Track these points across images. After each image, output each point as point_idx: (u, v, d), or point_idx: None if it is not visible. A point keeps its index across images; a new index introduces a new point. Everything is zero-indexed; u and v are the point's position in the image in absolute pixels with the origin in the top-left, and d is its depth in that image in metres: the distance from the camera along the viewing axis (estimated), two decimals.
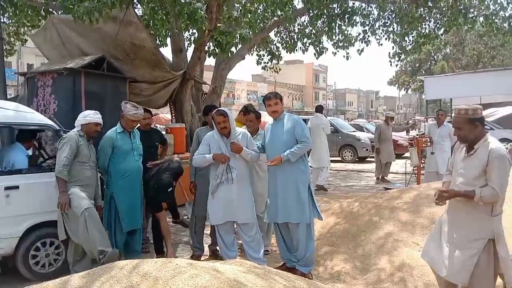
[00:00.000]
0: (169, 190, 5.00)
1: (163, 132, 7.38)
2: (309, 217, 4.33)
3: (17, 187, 4.30)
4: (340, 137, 15.97)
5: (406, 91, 58.14)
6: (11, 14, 10.14)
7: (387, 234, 4.77)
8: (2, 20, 9.50)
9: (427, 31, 11.84)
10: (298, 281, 2.87)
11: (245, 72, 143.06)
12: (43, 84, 6.55)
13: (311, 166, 7.89)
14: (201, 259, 5.02)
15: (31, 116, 4.71)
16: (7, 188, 4.23)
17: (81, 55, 7.14)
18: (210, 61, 27.77)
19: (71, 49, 7.50)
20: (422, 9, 10.91)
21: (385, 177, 10.82)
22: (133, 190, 4.72)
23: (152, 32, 8.52)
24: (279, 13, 10.03)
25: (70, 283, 2.49)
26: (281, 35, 12.20)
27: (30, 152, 5.32)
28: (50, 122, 4.79)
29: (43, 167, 4.88)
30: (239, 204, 4.33)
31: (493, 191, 2.87)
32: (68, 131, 4.71)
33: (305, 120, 17.76)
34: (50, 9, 9.49)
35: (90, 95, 6.30)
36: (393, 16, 11.32)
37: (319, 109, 10.12)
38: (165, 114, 22.06)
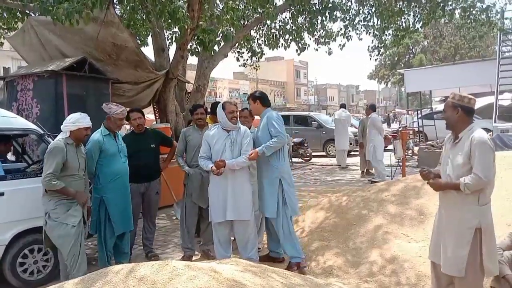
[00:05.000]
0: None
1: None
2: (277, 211, 4.45)
3: (1, 194, 4.20)
4: (324, 132, 16.07)
5: (386, 85, 58.83)
6: None
7: (376, 227, 4.83)
8: None
9: (406, 24, 11.98)
10: (294, 278, 2.88)
11: (227, 70, 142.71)
12: (23, 87, 6.41)
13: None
14: (192, 259, 5.00)
15: (15, 121, 4.60)
16: None
17: (62, 57, 7.00)
18: (192, 60, 27.61)
19: (51, 51, 7.36)
20: (401, 3, 11.03)
21: (370, 170, 10.93)
22: (123, 192, 4.67)
23: (132, 31, 8.41)
24: (260, 10, 10.01)
25: None
26: (263, 32, 12.18)
27: (10, 156, 5.19)
28: (34, 127, 4.69)
29: (28, 172, 4.77)
30: (237, 202, 4.31)
31: (476, 178, 2.89)
32: (52, 135, 4.63)
33: (288, 116, 17.84)
34: (27, 11, 9.27)
35: (72, 97, 6.20)
36: (373, 10, 11.41)
37: (343, 105, 13.88)
38: (147, 114, 21.91)
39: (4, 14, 9.74)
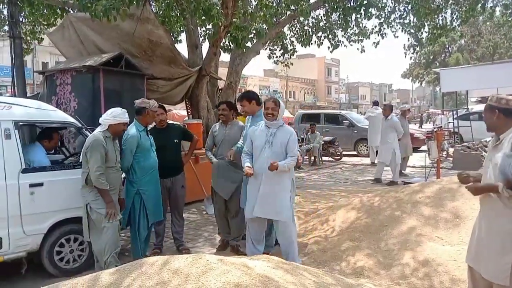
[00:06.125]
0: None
1: None
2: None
3: (41, 184, 4.35)
4: (355, 131, 15.85)
5: (420, 84, 57.47)
6: (27, 13, 10.23)
7: (410, 229, 4.73)
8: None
9: (443, 22, 11.67)
10: (326, 277, 2.85)
11: (257, 67, 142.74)
12: (62, 82, 6.61)
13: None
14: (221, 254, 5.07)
15: (55, 114, 4.75)
16: (31, 186, 4.27)
17: (99, 53, 7.19)
18: (223, 57, 27.74)
19: (89, 47, 7.56)
20: (439, 0, 10.75)
21: (402, 171, 10.71)
22: (157, 184, 4.82)
23: (167, 28, 8.53)
24: (293, 7, 9.98)
25: (101, 280, 2.51)
26: (295, 29, 12.13)
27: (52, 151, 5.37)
28: (73, 120, 4.83)
29: (65, 164, 4.92)
30: (270, 200, 4.27)
31: None
32: (90, 128, 4.77)
33: (319, 115, 17.73)
34: (66, 8, 9.56)
35: (108, 92, 6.34)
36: (409, 7, 11.17)
37: (376, 102, 14.11)
38: (178, 110, 22.11)
39: (45, 11, 10.09)
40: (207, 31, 10.57)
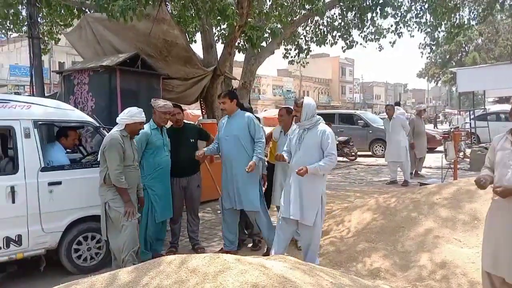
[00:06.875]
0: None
1: None
2: None
3: (59, 183, 4.41)
4: (370, 132, 15.73)
5: (436, 84, 56.79)
6: (44, 13, 10.37)
7: (427, 231, 4.67)
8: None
9: (460, 21, 11.50)
10: (343, 278, 2.84)
11: (271, 67, 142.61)
12: (79, 82, 6.70)
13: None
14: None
15: (73, 113, 4.82)
16: (50, 184, 4.34)
17: (115, 53, 7.26)
18: (237, 57, 27.83)
19: (106, 47, 7.64)
20: None
21: (418, 172, 10.59)
22: (164, 182, 4.90)
23: (182, 28, 8.57)
24: (308, 6, 9.94)
25: (119, 278, 2.54)
26: (310, 28, 12.09)
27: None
28: (90, 119, 4.90)
29: (83, 163, 4.99)
30: (303, 204, 4.20)
31: None
32: (107, 128, 4.82)
33: (333, 114, 17.57)
34: (83, 8, 9.67)
35: (125, 92, 6.40)
36: (426, 6, 11.03)
37: (398, 103, 13.72)
38: (192, 110, 22.21)
39: (62, 11, 10.22)
40: (222, 31, 10.61)
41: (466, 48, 47.16)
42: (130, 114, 4.22)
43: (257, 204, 4.89)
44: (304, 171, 4.00)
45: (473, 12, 11.39)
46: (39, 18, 10.60)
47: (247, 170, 4.64)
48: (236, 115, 4.96)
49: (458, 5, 10.82)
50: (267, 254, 4.63)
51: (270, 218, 5.12)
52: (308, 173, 4.02)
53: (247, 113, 5.02)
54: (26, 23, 9.24)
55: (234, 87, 10.31)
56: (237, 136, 4.85)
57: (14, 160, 4.27)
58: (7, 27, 10.95)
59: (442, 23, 11.32)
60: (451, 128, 9.66)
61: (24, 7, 9.87)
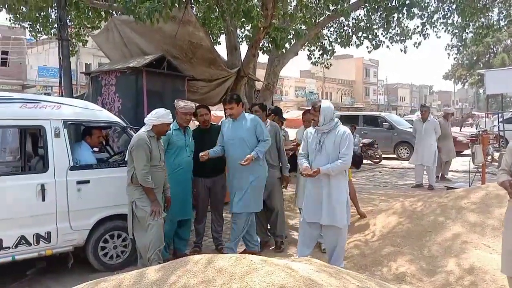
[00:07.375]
0: None
1: None
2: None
3: (87, 182, 4.51)
4: (395, 134, 15.50)
5: (463, 86, 55.59)
6: (73, 16, 10.62)
7: (454, 235, 4.58)
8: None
9: (489, 22, 11.22)
10: (369, 281, 2.81)
11: (293, 68, 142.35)
12: (107, 83, 6.82)
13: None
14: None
15: (101, 114, 4.92)
16: (78, 183, 4.44)
17: (142, 55, 7.36)
18: (261, 58, 27.86)
19: (132, 49, 7.75)
20: None
21: (445, 176, 10.38)
22: (184, 183, 4.92)
23: (207, 30, 8.63)
24: (332, 7, 9.87)
25: (147, 276, 2.57)
26: (334, 29, 12.00)
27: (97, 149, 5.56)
28: (118, 120, 4.99)
29: (110, 162, 5.08)
30: (331, 206, 4.20)
31: None
32: (134, 128, 4.90)
33: (357, 116, 17.26)
34: (110, 11, 9.85)
35: (151, 93, 6.48)
36: (453, 7, 10.80)
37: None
38: (214, 111, 22.39)
39: (90, 14, 10.44)
40: (246, 33, 10.63)
41: (495, 49, 46.04)
42: (158, 115, 4.28)
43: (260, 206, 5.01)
44: (317, 172, 4.11)
45: (502, 13, 11.08)
46: (67, 21, 10.90)
47: (241, 163, 4.59)
48: (241, 118, 4.93)
49: (487, 6, 10.55)
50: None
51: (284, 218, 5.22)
52: (321, 173, 4.12)
53: (252, 115, 5.04)
54: (55, 25, 9.50)
55: (257, 89, 10.32)
56: (243, 139, 4.83)
57: (44, 158, 4.38)
58: (37, 30, 11.26)
59: (470, 24, 11.07)
60: (479, 131, 9.42)
61: (53, 10, 10.15)
